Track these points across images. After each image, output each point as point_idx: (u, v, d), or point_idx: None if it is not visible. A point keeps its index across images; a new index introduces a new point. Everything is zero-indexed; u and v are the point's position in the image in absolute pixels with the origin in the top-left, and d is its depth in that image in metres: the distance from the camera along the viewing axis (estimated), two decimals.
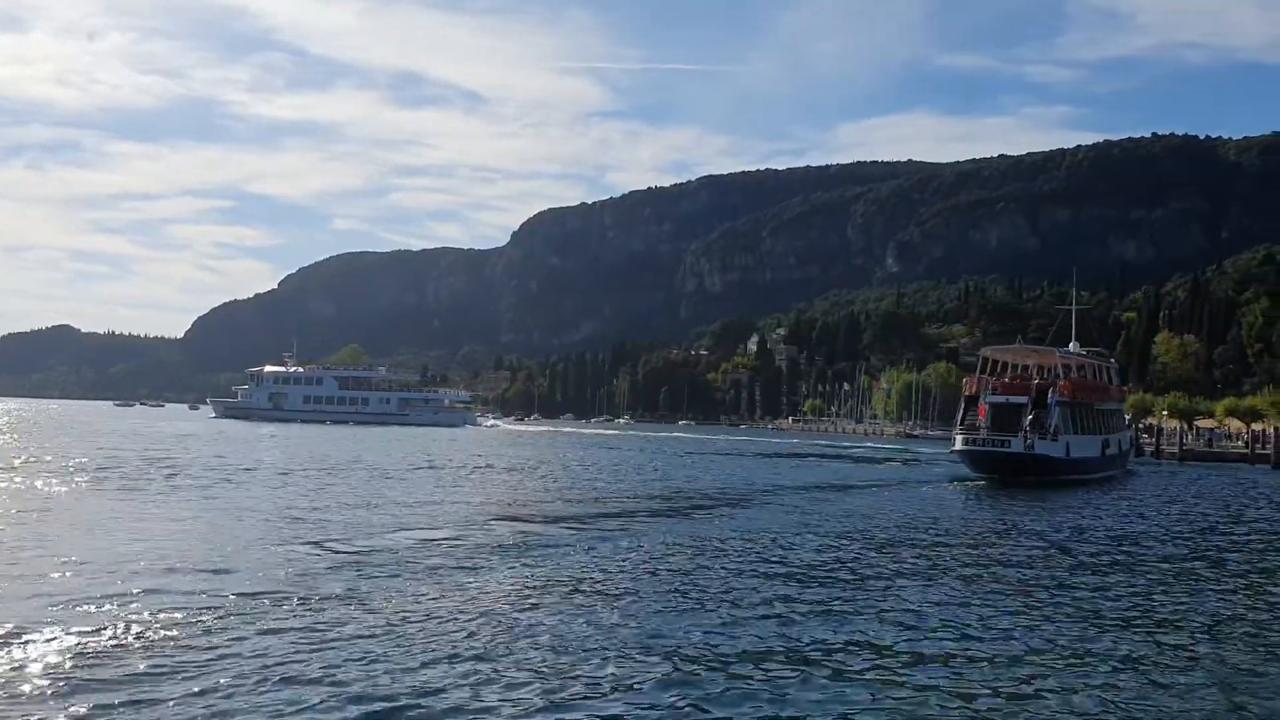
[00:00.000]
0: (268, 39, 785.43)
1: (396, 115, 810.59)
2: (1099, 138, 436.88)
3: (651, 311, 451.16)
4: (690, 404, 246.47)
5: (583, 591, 15.50)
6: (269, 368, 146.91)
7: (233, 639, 11.74)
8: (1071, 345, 63.77)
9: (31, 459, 41.38)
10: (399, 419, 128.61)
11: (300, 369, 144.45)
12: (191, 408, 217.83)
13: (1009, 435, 45.87)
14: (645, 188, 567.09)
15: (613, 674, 10.93)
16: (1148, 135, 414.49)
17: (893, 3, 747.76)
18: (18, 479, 31.63)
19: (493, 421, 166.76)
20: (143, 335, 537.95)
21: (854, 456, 74.40)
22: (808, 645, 12.65)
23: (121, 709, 9.31)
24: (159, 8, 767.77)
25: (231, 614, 12.96)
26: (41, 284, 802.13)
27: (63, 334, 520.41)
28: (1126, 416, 70.09)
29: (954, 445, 49.30)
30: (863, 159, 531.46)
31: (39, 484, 30.04)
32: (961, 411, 50.18)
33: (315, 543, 19.55)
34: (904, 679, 11.26)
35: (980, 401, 47.71)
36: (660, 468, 52.64)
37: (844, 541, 22.86)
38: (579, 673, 10.95)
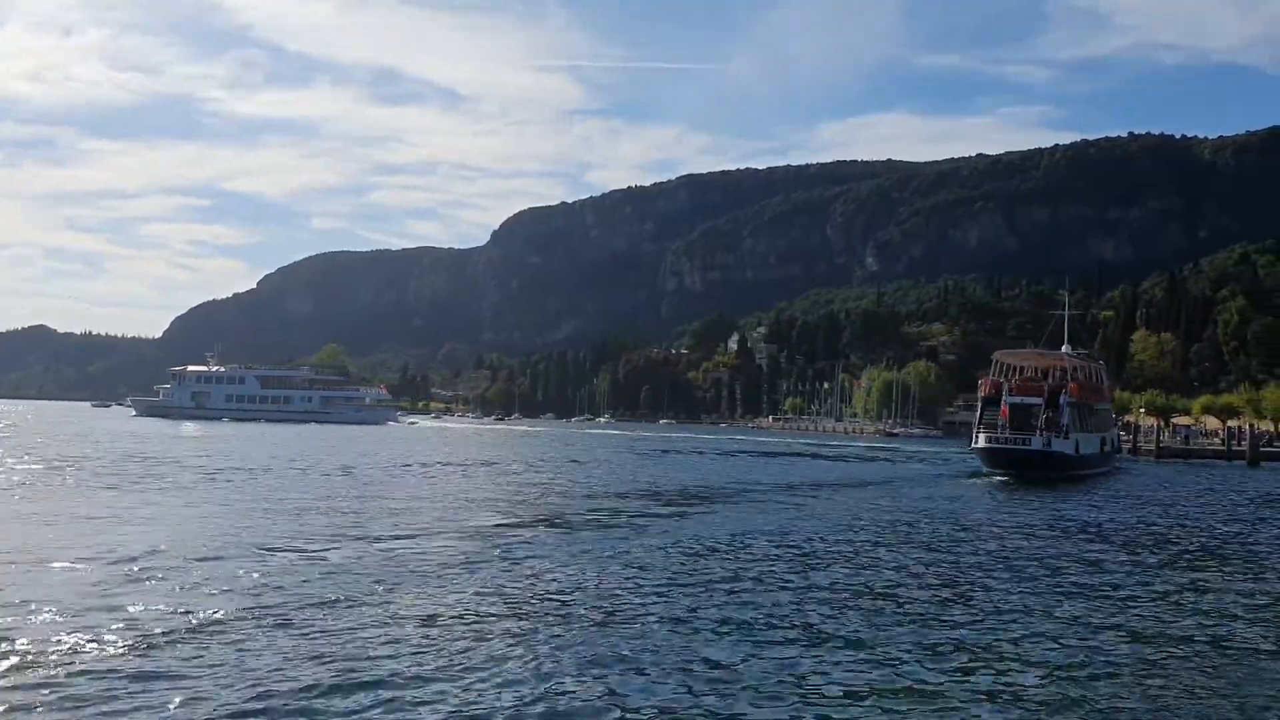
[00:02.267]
0: (245, 35, 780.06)
1: (375, 112, 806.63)
2: (1076, 137, 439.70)
3: (633, 310, 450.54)
4: (671, 403, 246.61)
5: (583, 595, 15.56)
6: (191, 368, 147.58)
7: (199, 650, 11.77)
8: (1064, 348, 65.61)
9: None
10: (321, 417, 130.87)
11: (223, 368, 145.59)
12: None
13: (1027, 434, 48.96)
14: (626, 186, 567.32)
15: (616, 687, 10.79)
16: (1124, 135, 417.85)
17: (873, 3, 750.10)
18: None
19: (412, 419, 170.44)
20: (120, 335, 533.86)
21: (860, 457, 75.14)
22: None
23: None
24: (136, 3, 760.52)
25: (195, 623, 12.87)
26: (16, 281, 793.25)
27: (39, 334, 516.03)
28: (1114, 415, 73.42)
29: (976, 443, 51.92)
30: (842, 158, 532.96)
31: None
32: (979, 411, 53.35)
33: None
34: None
35: (1002, 402, 50.62)
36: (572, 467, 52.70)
37: (925, 539, 24.00)
38: (570, 679, 10.96)
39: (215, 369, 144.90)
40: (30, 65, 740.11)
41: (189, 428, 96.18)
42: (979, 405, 53.86)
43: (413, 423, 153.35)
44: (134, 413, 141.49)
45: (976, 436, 51.77)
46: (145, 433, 77.90)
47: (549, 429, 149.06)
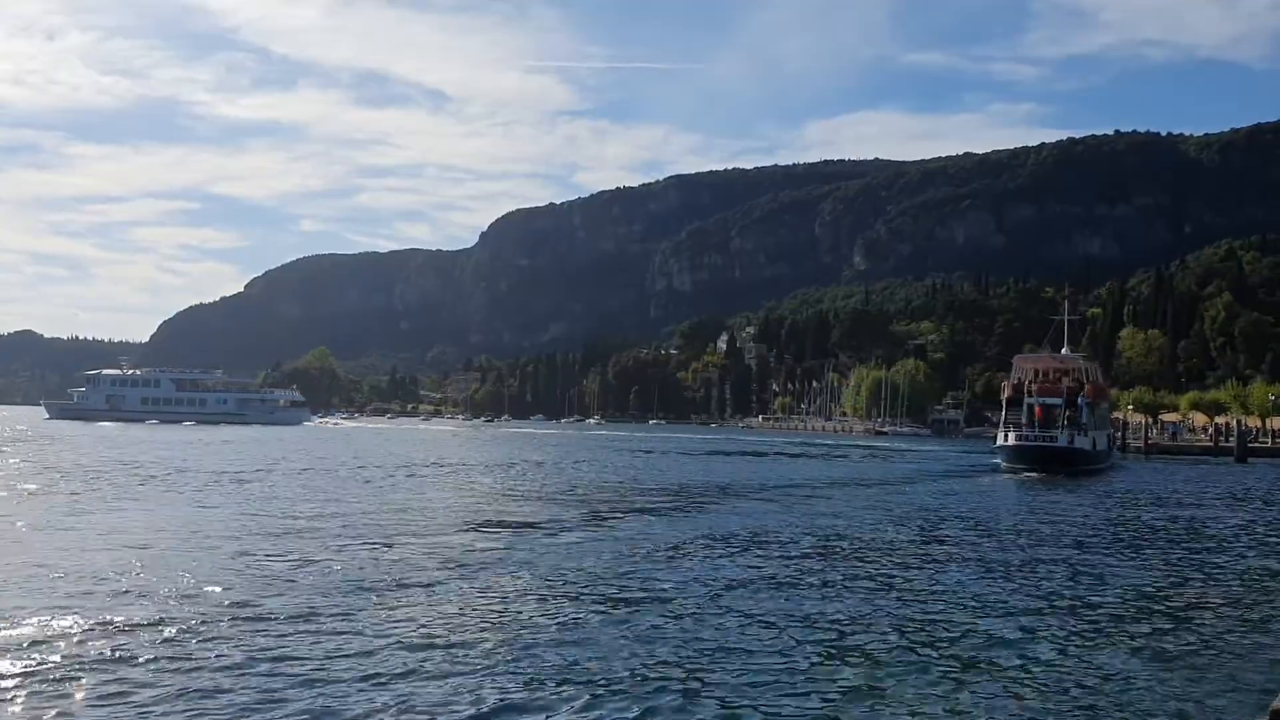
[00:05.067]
0: (230, 38, 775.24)
1: (362, 115, 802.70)
2: (1063, 135, 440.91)
3: (622, 311, 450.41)
4: (661, 403, 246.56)
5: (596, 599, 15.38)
6: (106, 370, 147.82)
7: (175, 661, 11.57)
8: (1064, 349, 67.20)
9: None
10: (236, 419, 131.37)
11: (138, 371, 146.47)
12: None
13: (1051, 432, 52.33)
14: (614, 187, 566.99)
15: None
16: (1111, 132, 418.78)
17: (859, 1, 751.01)
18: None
19: (334, 420, 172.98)
20: (107, 340, 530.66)
21: (869, 455, 75.84)
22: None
23: None
24: (120, 6, 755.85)
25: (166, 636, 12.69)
26: (2, 287, 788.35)
27: (26, 339, 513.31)
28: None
29: (1005, 441, 54.74)
30: (830, 157, 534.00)
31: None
32: (1004, 411, 57.28)
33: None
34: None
35: (1031, 403, 54.08)
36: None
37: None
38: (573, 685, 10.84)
39: (130, 372, 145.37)
40: (13, 69, 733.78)
41: (106, 427, 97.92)
42: (1003, 406, 57.74)
43: (334, 424, 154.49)
44: (47, 415, 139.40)
45: (1005, 434, 54.69)
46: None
47: (538, 430, 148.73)
